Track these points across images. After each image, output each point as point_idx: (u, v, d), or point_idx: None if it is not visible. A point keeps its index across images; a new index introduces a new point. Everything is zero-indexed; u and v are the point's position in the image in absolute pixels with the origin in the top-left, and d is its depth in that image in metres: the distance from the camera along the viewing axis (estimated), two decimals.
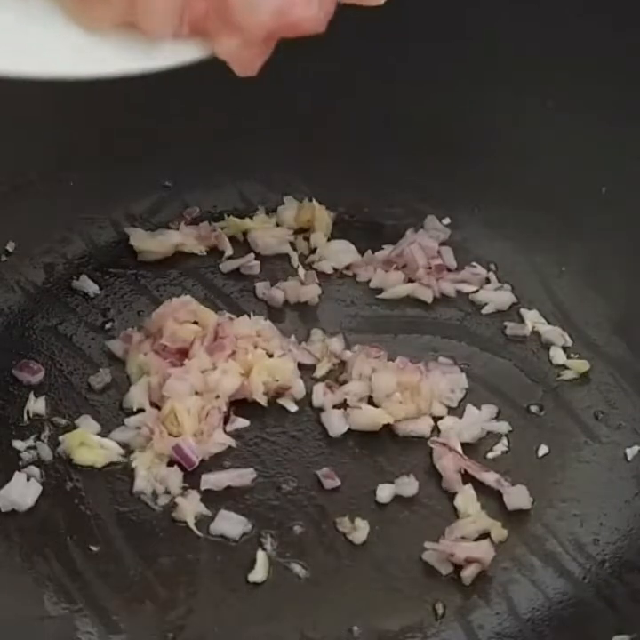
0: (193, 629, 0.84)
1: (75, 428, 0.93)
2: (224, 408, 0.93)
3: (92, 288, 1.03)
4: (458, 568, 0.87)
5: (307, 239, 1.08)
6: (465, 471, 0.91)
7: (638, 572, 0.87)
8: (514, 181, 1.08)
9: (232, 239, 1.07)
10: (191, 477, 0.91)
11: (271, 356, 0.96)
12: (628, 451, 0.94)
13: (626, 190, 1.04)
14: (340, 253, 1.07)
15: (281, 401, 0.96)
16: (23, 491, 0.89)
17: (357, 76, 1.08)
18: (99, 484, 0.91)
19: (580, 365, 0.99)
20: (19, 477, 0.90)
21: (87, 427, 0.93)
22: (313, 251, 1.08)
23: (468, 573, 0.87)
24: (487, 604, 0.86)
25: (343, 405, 0.95)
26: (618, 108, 1.05)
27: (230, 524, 0.88)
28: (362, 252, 1.07)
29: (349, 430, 0.94)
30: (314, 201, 1.08)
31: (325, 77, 1.08)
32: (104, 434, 0.93)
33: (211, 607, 0.85)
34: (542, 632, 0.85)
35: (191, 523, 0.88)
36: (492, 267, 1.06)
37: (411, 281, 1.05)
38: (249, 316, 0.99)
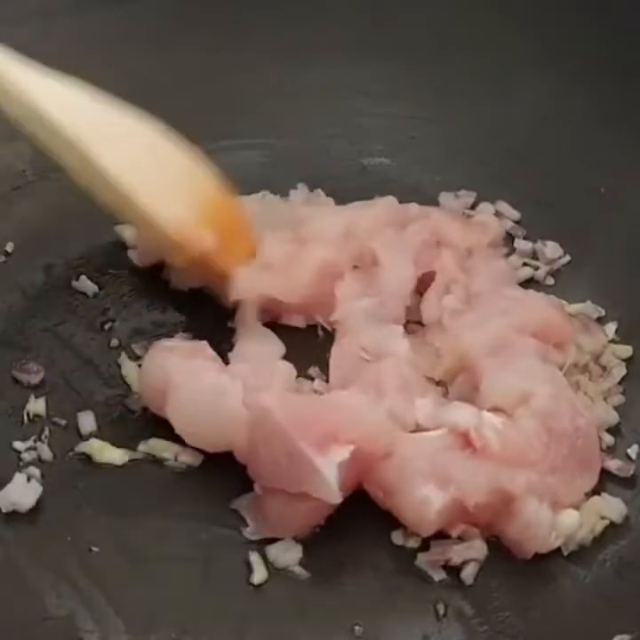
0: (194, 630, 0.84)
1: (75, 428, 0.94)
2: None
3: (91, 288, 1.03)
4: (457, 568, 0.87)
5: None
6: None
7: (638, 571, 0.87)
8: (513, 181, 1.09)
9: None
10: None
11: None
12: (629, 451, 0.94)
13: (626, 190, 1.04)
14: None
15: None
16: (23, 491, 0.89)
17: None
18: (99, 484, 0.91)
19: (624, 351, 0.99)
20: (19, 478, 0.90)
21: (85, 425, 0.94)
22: None
23: (468, 573, 0.87)
24: (487, 604, 0.86)
25: None
26: (618, 107, 1.05)
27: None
28: None
29: None
30: (319, 191, 1.08)
31: None
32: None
33: (211, 608, 0.85)
34: (542, 632, 0.85)
35: None
36: None
37: None
38: None
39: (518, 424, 0.87)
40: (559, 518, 0.87)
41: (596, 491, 0.90)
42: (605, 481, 0.91)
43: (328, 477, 0.83)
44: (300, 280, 0.97)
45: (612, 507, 0.89)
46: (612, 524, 0.89)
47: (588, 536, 0.88)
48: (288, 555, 0.87)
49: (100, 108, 0.93)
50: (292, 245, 0.99)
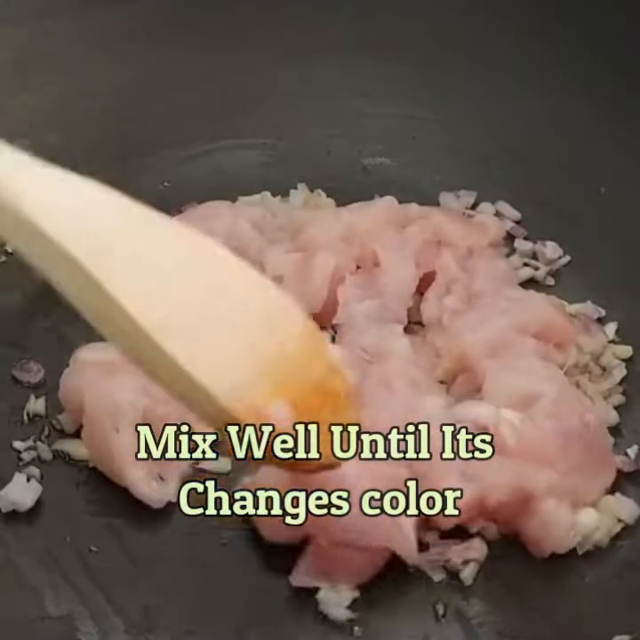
0: (194, 630, 0.84)
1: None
2: None
3: None
4: (457, 568, 0.87)
5: None
6: None
7: (638, 571, 0.87)
8: (513, 181, 1.09)
9: None
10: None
11: None
12: (629, 451, 0.94)
13: (626, 190, 1.04)
14: None
15: None
16: (23, 491, 0.89)
17: None
18: (98, 484, 0.91)
19: (624, 351, 0.99)
20: (19, 478, 0.90)
21: None
22: None
23: (468, 573, 0.87)
24: (487, 604, 0.86)
25: None
26: (617, 107, 1.05)
27: None
28: None
29: None
30: (320, 191, 1.09)
31: None
32: None
33: (212, 608, 0.85)
34: (543, 632, 0.85)
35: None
36: None
37: None
38: None
39: (535, 422, 0.87)
40: (578, 517, 0.87)
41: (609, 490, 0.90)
42: (619, 481, 0.91)
43: (408, 533, 0.83)
44: (316, 292, 0.96)
45: (624, 507, 0.89)
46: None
47: (605, 538, 0.88)
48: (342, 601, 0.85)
49: (119, 213, 0.65)
50: (296, 256, 0.99)
